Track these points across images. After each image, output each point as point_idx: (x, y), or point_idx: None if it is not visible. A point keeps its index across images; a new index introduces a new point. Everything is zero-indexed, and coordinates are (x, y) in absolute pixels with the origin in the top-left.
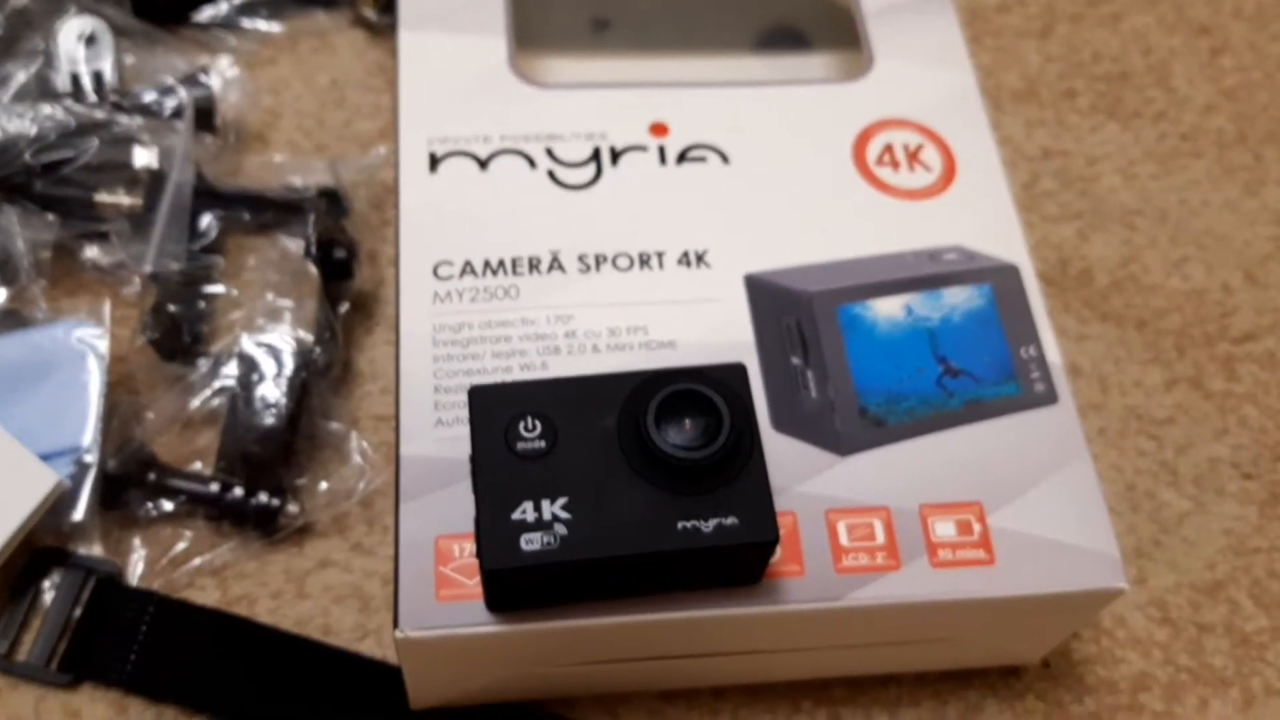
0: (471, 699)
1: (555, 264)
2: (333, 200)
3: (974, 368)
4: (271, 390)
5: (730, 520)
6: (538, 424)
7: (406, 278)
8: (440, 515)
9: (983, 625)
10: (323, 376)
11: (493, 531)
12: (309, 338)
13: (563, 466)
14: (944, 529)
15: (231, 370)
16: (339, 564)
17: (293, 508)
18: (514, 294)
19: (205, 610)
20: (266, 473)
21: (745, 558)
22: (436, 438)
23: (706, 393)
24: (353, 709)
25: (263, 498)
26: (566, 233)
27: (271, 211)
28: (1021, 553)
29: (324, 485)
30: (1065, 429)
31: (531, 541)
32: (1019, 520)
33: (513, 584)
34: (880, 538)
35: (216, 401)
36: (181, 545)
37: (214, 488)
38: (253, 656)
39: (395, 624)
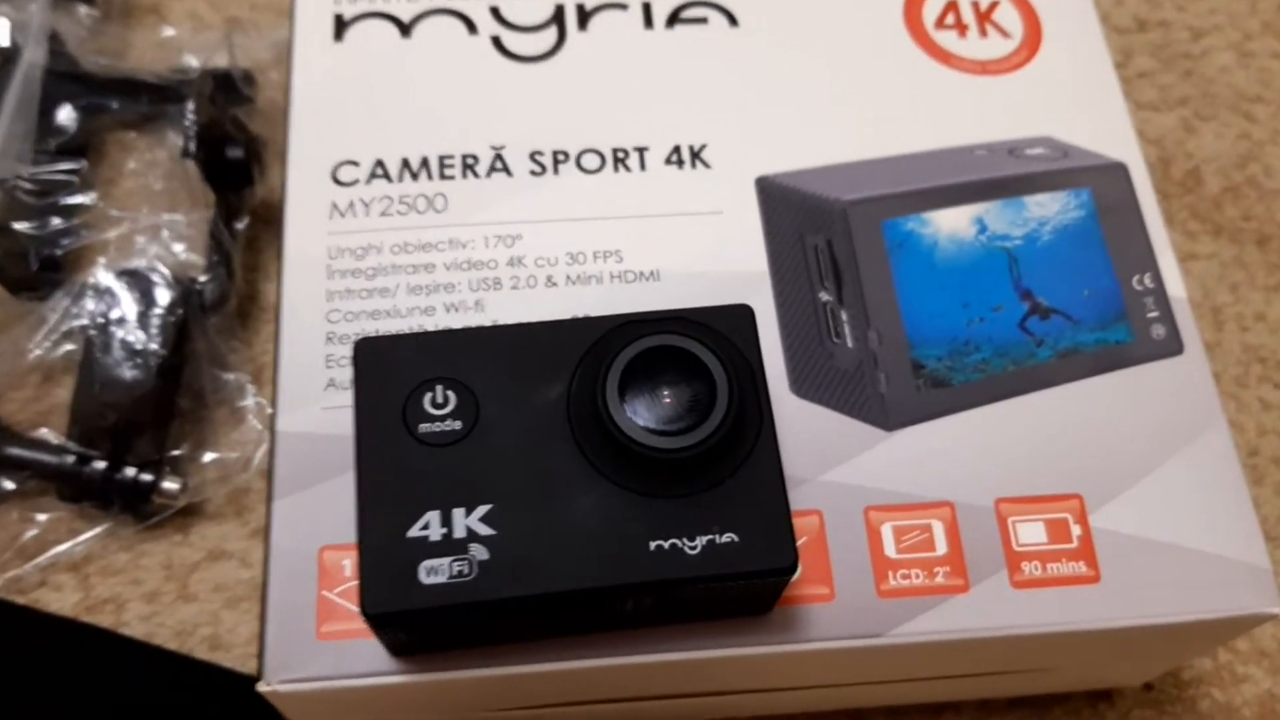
0: None
1: (499, 164)
2: (226, 84)
3: (1070, 305)
4: (137, 333)
5: (726, 538)
6: (451, 395)
7: (295, 183)
8: (328, 517)
9: (1078, 658)
10: (213, 313)
11: (378, 557)
12: (197, 262)
13: (486, 458)
14: (1030, 533)
15: (89, 307)
16: (234, 555)
17: (170, 484)
18: (440, 205)
19: (57, 620)
20: (134, 439)
21: (750, 588)
22: (326, 406)
23: (695, 350)
24: None
25: (130, 472)
26: (515, 121)
27: (146, 99)
28: (1137, 564)
29: (211, 455)
30: (1194, 389)
31: (436, 572)
32: (1133, 519)
33: (411, 629)
34: (941, 546)
35: (72, 347)
36: (31, 533)
37: (69, 459)
38: (120, 682)
39: (258, 672)
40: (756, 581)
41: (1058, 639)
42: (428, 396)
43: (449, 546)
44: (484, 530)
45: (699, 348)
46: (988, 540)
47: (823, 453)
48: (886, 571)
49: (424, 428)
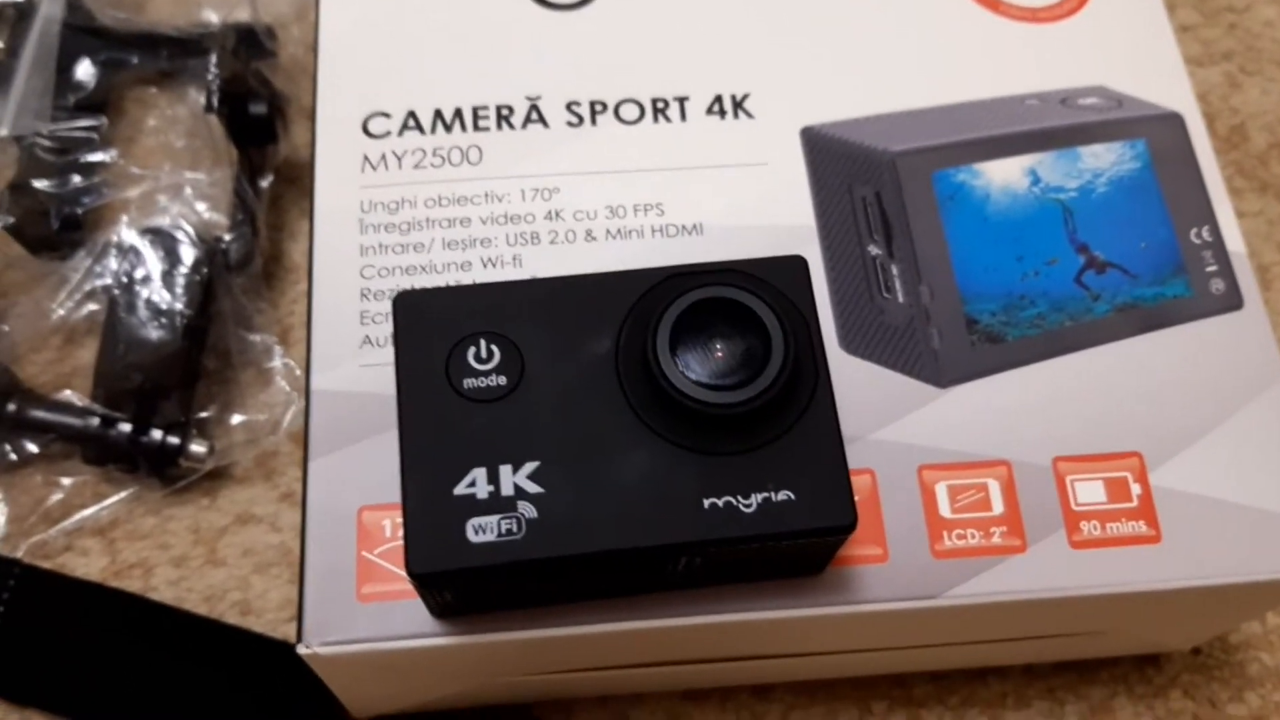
0: (432, 708)
1: (534, 115)
2: (249, 39)
3: (1127, 259)
4: (162, 293)
5: (783, 495)
6: (495, 350)
7: (325, 135)
8: (366, 476)
9: (1135, 620)
10: (238, 273)
11: (425, 516)
12: (220, 221)
13: (532, 414)
14: (1089, 492)
15: (112, 266)
16: (263, 520)
17: (198, 447)
18: (475, 158)
19: (85, 584)
20: (160, 401)
21: (805, 548)
22: (362, 364)
23: (748, 302)
24: (279, 714)
25: (156, 435)
26: (551, 71)
27: (166, 53)
28: (1199, 524)
29: (238, 418)
30: (1255, 345)
31: (483, 530)
32: (1194, 477)
33: (458, 589)
34: (997, 506)
35: (95, 307)
36: (56, 496)
37: (93, 421)
38: (148, 646)
39: (298, 634)
40: (814, 540)
41: (1117, 600)
42: (471, 351)
43: (496, 504)
44: (532, 488)
45: (753, 300)
46: (1045, 500)
47: (874, 410)
48: (941, 532)
49: (468, 383)
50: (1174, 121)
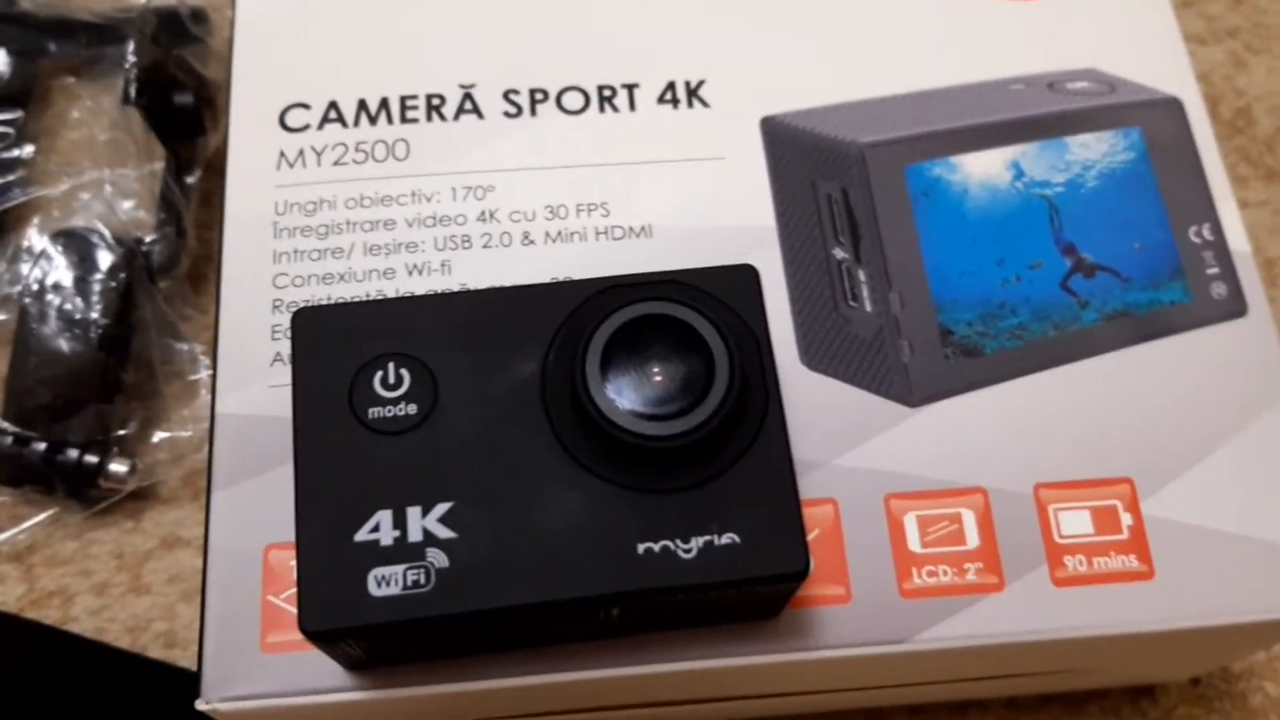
0: None
1: (468, 104)
2: (171, 23)
3: (1119, 261)
4: (75, 301)
5: (726, 538)
6: (405, 374)
7: (238, 129)
8: (274, 510)
9: (1126, 659)
10: (164, 277)
11: (320, 565)
12: (148, 220)
13: (446, 448)
14: (1074, 523)
15: (22, 273)
16: (190, 543)
17: (118, 466)
18: (402, 153)
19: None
20: (75, 417)
21: (753, 594)
22: (272, 384)
23: (689, 319)
24: None
25: (72, 453)
26: (487, 56)
27: (84, 39)
28: (1195, 558)
29: (162, 434)
30: (1260, 356)
31: (387, 581)
32: (1191, 506)
33: (361, 645)
34: (973, 539)
35: (5, 317)
36: None
37: (5, 440)
38: (67, 682)
39: (197, 689)
40: (762, 588)
41: (1106, 642)
42: (378, 375)
43: (403, 552)
44: (443, 533)
45: (695, 316)
46: (1026, 532)
47: (837, 433)
48: (910, 568)
49: (374, 412)
50: (1173, 108)
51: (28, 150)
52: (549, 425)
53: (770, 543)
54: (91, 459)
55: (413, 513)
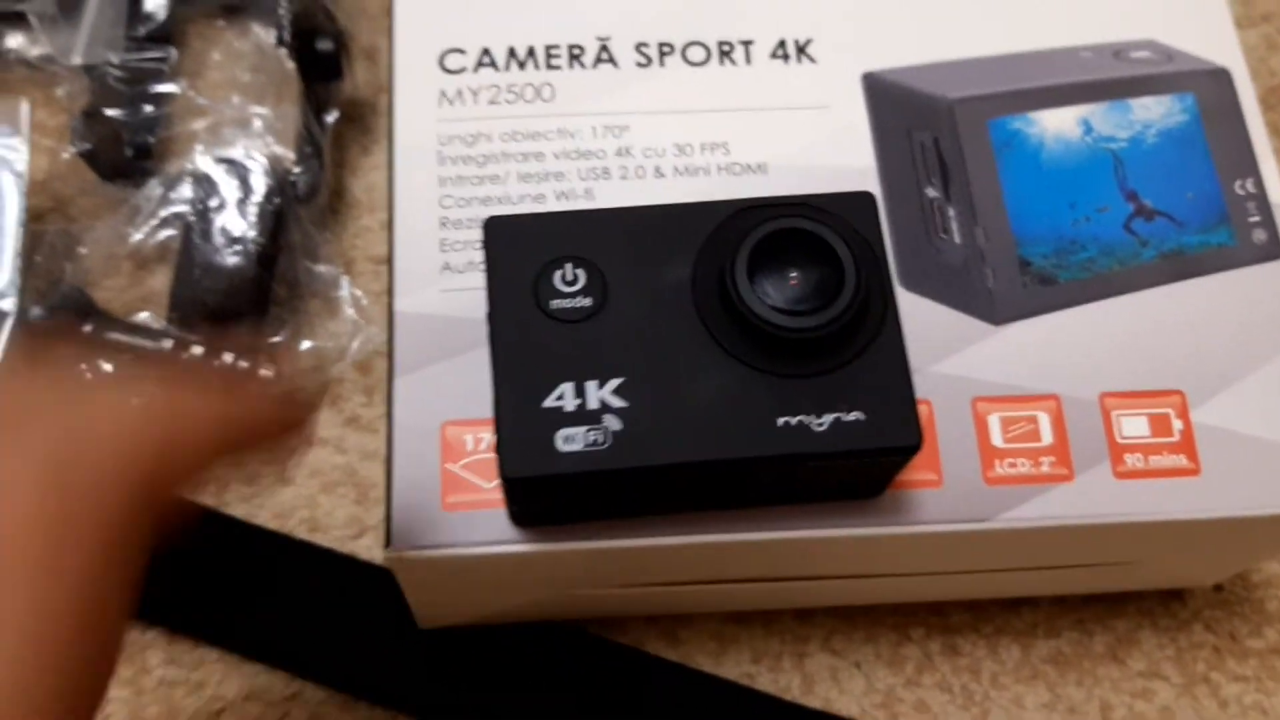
0: (494, 620)
1: (604, 55)
2: None
3: (1174, 207)
4: (236, 221)
5: (853, 416)
6: (580, 273)
7: (403, 70)
8: (449, 393)
9: (1169, 551)
10: (305, 205)
11: (517, 425)
12: (287, 154)
13: (616, 334)
14: (1133, 426)
15: (186, 194)
16: (330, 443)
17: (267, 371)
18: (548, 95)
19: None
20: (233, 326)
21: (870, 467)
22: (443, 289)
23: (822, 233)
24: (345, 625)
25: (228, 358)
26: (621, 10)
27: None
28: (1236, 459)
29: (308, 344)
30: None
31: (571, 440)
32: (1233, 415)
33: (544, 496)
34: (1047, 436)
35: (169, 233)
36: None
37: (166, 344)
38: (220, 558)
39: (386, 539)
40: (881, 459)
41: (1157, 528)
42: (558, 274)
43: (583, 417)
44: (616, 403)
45: (826, 231)
46: (1092, 432)
47: (932, 345)
48: (993, 460)
49: (555, 303)
50: (1222, 77)
51: (179, 85)
52: (699, 319)
53: (890, 420)
54: (243, 364)
55: (590, 385)
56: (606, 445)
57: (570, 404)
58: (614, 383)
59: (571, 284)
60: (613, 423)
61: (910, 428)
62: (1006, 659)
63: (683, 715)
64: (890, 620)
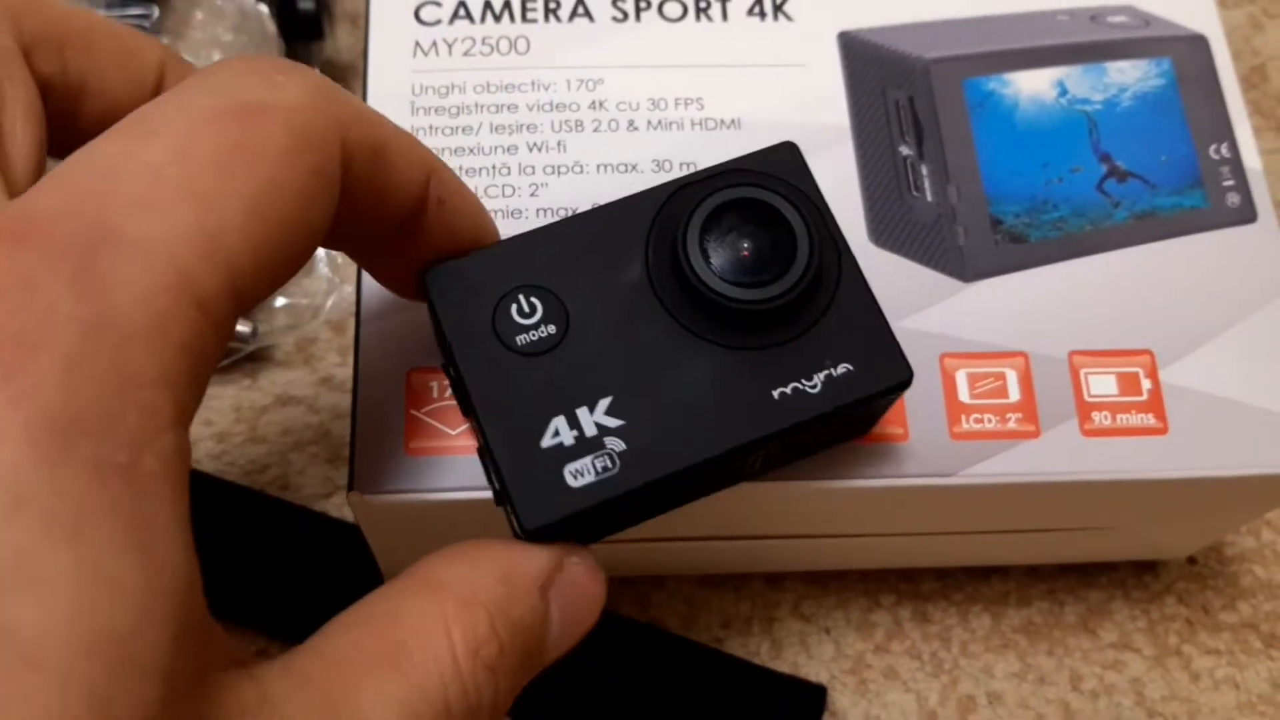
0: None
1: (580, 8)
2: None
3: (1148, 169)
4: None
5: (842, 369)
6: (535, 301)
7: (378, 20)
8: (414, 341)
9: (1138, 514)
10: None
11: (522, 473)
12: None
13: (590, 353)
14: (1101, 385)
15: None
16: (303, 401)
17: (242, 327)
18: (523, 47)
19: None
20: None
21: (865, 411)
22: None
23: (763, 197)
24: (315, 584)
25: None
26: None
27: None
28: (1204, 420)
29: (281, 301)
30: (1266, 256)
31: (580, 474)
32: (1202, 376)
33: (565, 534)
34: (1014, 393)
35: None
36: None
37: None
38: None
39: (349, 483)
40: (874, 402)
41: (1124, 487)
42: (513, 308)
43: (585, 446)
44: (613, 422)
45: (765, 194)
46: (1060, 390)
47: (901, 301)
48: (960, 415)
49: (520, 339)
50: (1199, 43)
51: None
52: (666, 312)
53: (878, 362)
54: None
55: (582, 412)
56: (617, 469)
57: (568, 438)
58: (604, 403)
59: (530, 315)
60: (616, 444)
61: (899, 364)
62: (977, 627)
63: (652, 677)
64: (860, 587)
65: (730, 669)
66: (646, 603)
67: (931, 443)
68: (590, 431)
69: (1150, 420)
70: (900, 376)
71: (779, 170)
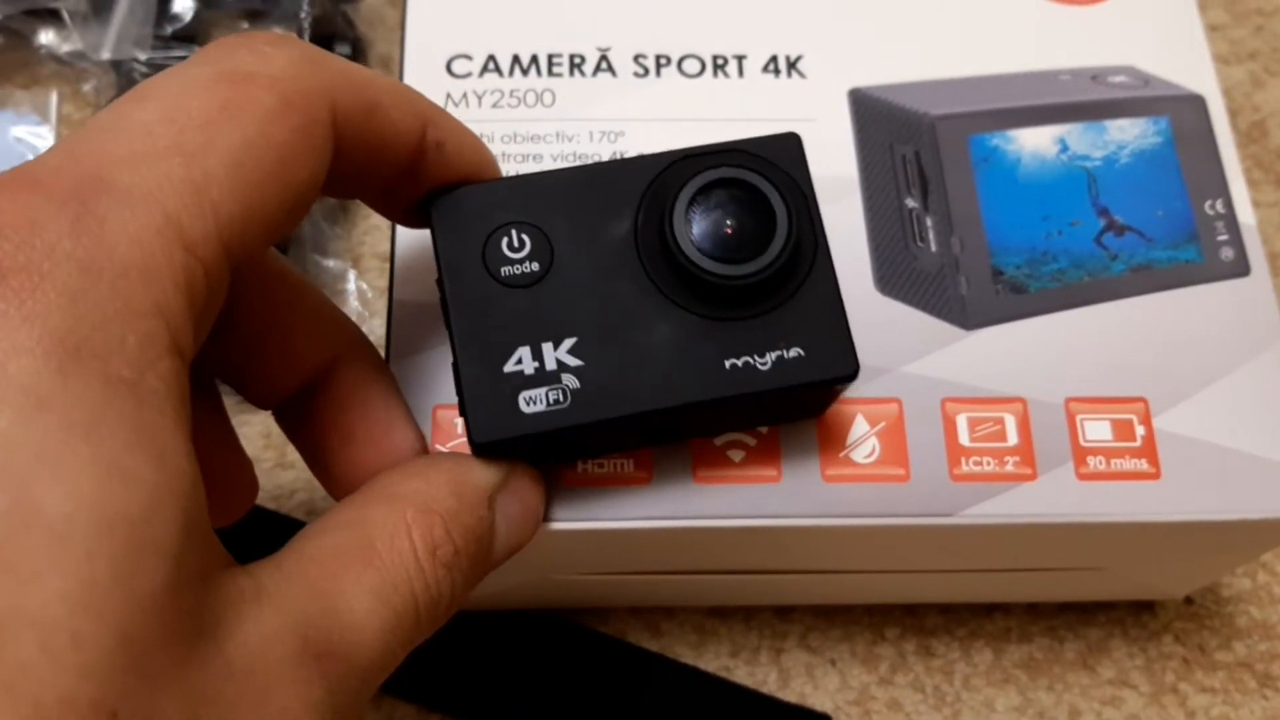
0: (476, 606)
1: (604, 64)
2: None
3: (1144, 224)
4: None
5: (794, 352)
6: (525, 238)
7: (412, 71)
8: (440, 378)
9: (1133, 556)
10: (317, 201)
11: (481, 390)
12: None
13: (565, 295)
14: (1097, 430)
15: None
16: None
17: None
18: (549, 100)
19: None
20: None
21: (811, 396)
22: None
23: (753, 181)
24: None
25: None
26: (620, 23)
27: None
28: (1196, 465)
29: None
30: (1258, 309)
31: (534, 401)
32: (1195, 423)
33: (512, 454)
34: (1012, 438)
35: None
36: None
37: None
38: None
39: None
40: (819, 390)
41: (1117, 529)
42: (504, 240)
43: (543, 378)
44: (572, 361)
45: (758, 179)
46: (1056, 435)
47: (905, 347)
48: (960, 458)
49: (504, 270)
50: (1196, 103)
51: None
52: (644, 272)
53: (829, 353)
54: None
55: (546, 347)
56: (567, 404)
57: (529, 367)
58: (568, 342)
59: (518, 250)
60: (571, 381)
61: (847, 358)
62: (979, 662)
63: (663, 704)
64: (866, 620)
65: (738, 698)
66: (658, 631)
67: (932, 483)
68: (550, 365)
69: (1144, 465)
70: (846, 370)
71: (778, 157)
